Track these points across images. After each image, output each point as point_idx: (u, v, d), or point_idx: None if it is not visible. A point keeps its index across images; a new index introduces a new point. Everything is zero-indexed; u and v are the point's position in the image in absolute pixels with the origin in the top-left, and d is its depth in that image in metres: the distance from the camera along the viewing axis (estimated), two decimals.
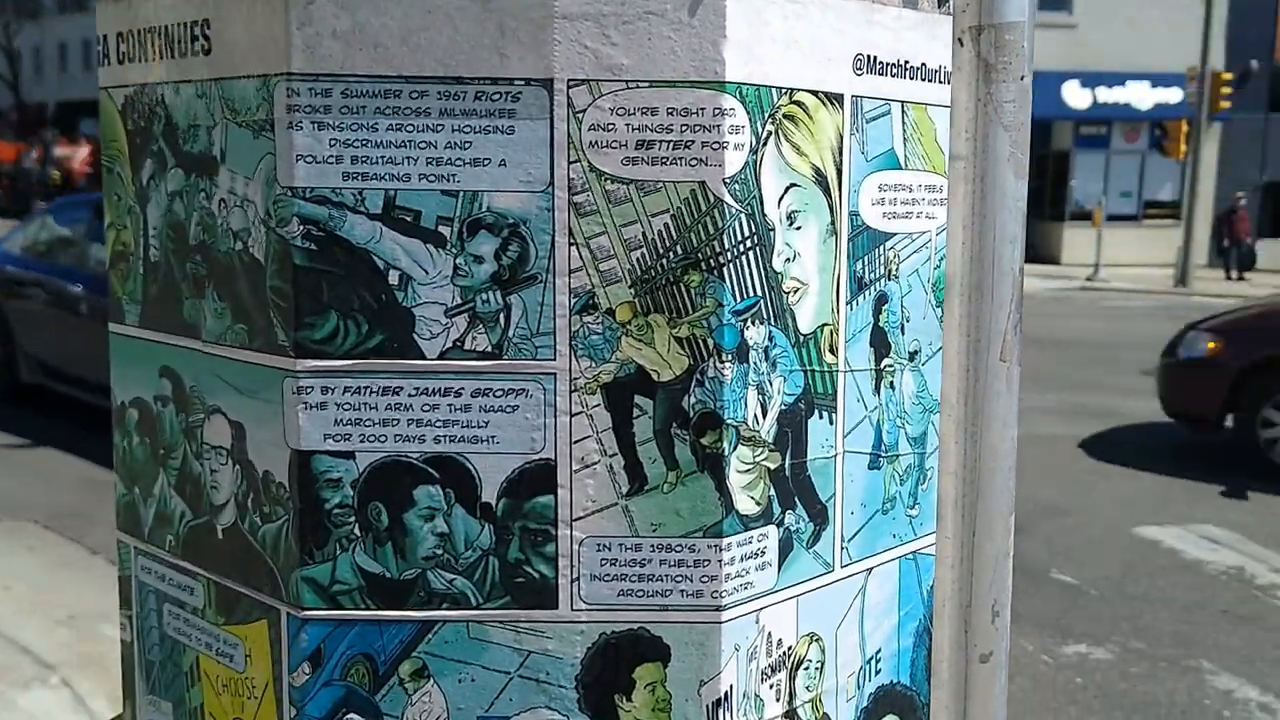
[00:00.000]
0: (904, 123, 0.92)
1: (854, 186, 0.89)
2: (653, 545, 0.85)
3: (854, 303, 0.90)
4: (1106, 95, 19.81)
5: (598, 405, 0.83)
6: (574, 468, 0.84)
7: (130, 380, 1.00)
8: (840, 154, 0.87)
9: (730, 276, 0.82)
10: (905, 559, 0.99)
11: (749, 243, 0.83)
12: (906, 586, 0.99)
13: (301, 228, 0.81)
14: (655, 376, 0.83)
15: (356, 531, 0.84)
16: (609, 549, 0.85)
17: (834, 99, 0.86)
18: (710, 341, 0.83)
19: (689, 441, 0.84)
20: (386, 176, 0.81)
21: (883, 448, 0.95)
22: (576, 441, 0.83)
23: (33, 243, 6.22)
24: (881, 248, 0.92)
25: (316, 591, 0.84)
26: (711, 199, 0.82)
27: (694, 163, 0.81)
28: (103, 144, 1.00)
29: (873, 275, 0.91)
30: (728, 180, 0.81)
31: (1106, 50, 19.24)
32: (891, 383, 0.94)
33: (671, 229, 0.82)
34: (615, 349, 0.83)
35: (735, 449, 0.83)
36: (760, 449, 0.85)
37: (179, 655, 0.99)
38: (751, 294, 0.83)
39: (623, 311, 0.82)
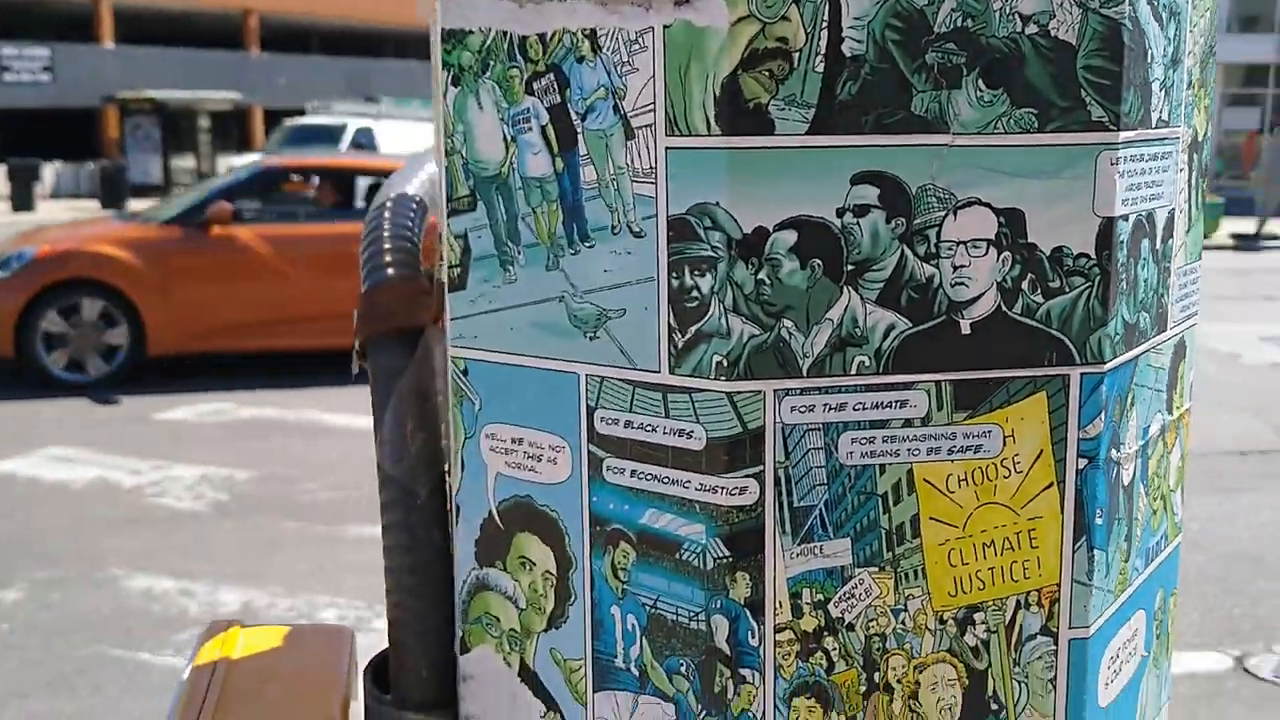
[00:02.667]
0: None
1: None
2: None
3: None
4: None
5: None
6: None
7: (781, 199, 0.94)
8: None
9: None
10: None
11: None
12: None
13: (1129, 8, 0.95)
14: None
15: (1124, 285, 1.02)
16: None
17: None
18: None
19: None
20: None
21: None
22: None
23: None
24: None
25: (1114, 343, 1.00)
26: None
27: None
28: None
29: None
30: None
31: None
32: None
33: None
34: None
35: None
36: None
37: (868, 482, 1.00)
38: None
39: None
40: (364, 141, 22.23)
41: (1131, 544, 1.12)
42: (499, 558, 1.14)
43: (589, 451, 1.06)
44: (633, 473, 1.03)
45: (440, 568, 1.22)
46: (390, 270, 1.30)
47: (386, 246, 1.33)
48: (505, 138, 1.06)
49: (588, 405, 1.05)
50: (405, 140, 23.40)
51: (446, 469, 1.24)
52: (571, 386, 1.06)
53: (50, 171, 27.30)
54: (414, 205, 1.40)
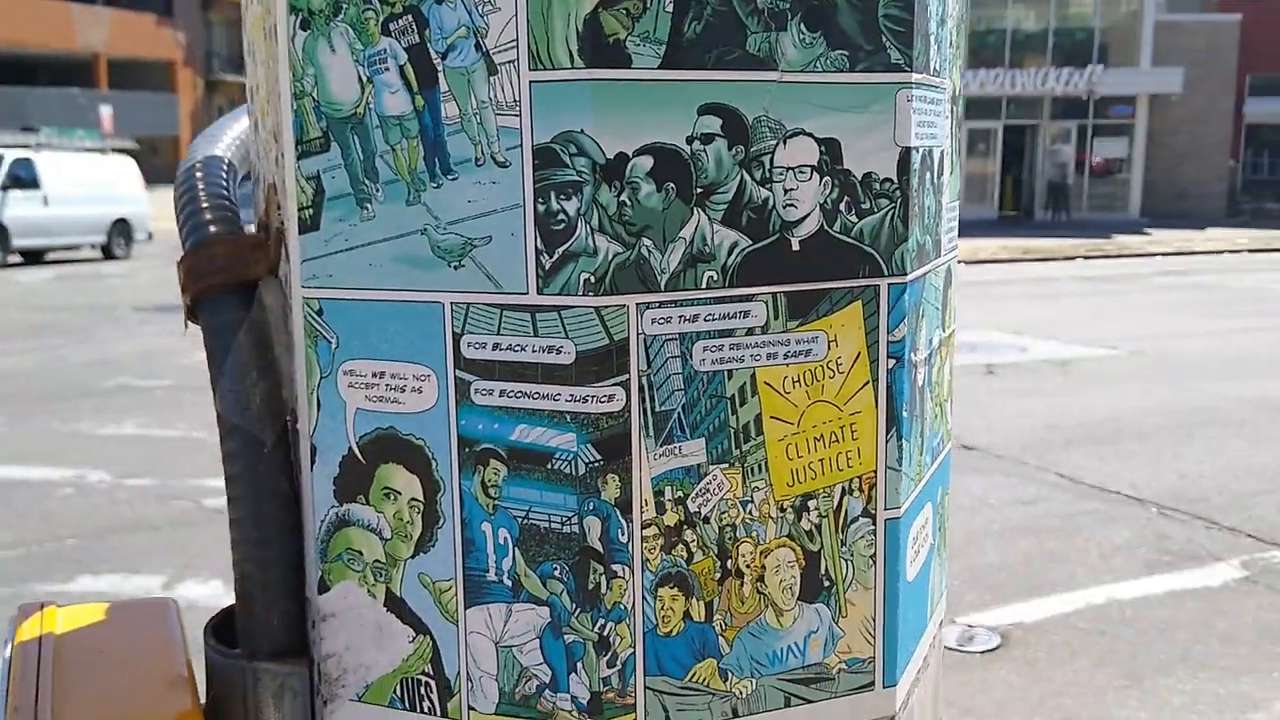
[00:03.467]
0: None
1: None
2: None
3: None
4: None
5: None
6: None
7: (638, 128, 1.03)
8: None
9: None
10: None
11: None
12: None
13: None
14: None
15: (916, 209, 1.18)
16: None
17: None
18: None
19: None
20: None
21: None
22: None
23: None
24: None
25: (912, 258, 1.16)
26: None
27: None
28: None
29: None
30: None
31: None
32: None
33: None
34: None
35: None
36: None
37: (719, 386, 1.10)
38: None
39: None
40: (23, 174, 20.69)
41: (924, 440, 1.28)
42: (361, 492, 1.17)
43: (456, 377, 1.11)
44: (502, 392, 1.09)
45: (287, 515, 1.23)
46: (213, 227, 1.30)
47: (204, 205, 1.32)
48: (361, 79, 1.10)
49: (454, 332, 1.10)
50: (71, 171, 22.00)
51: (288, 421, 1.25)
52: (436, 316, 1.11)
53: None
54: (224, 166, 1.40)
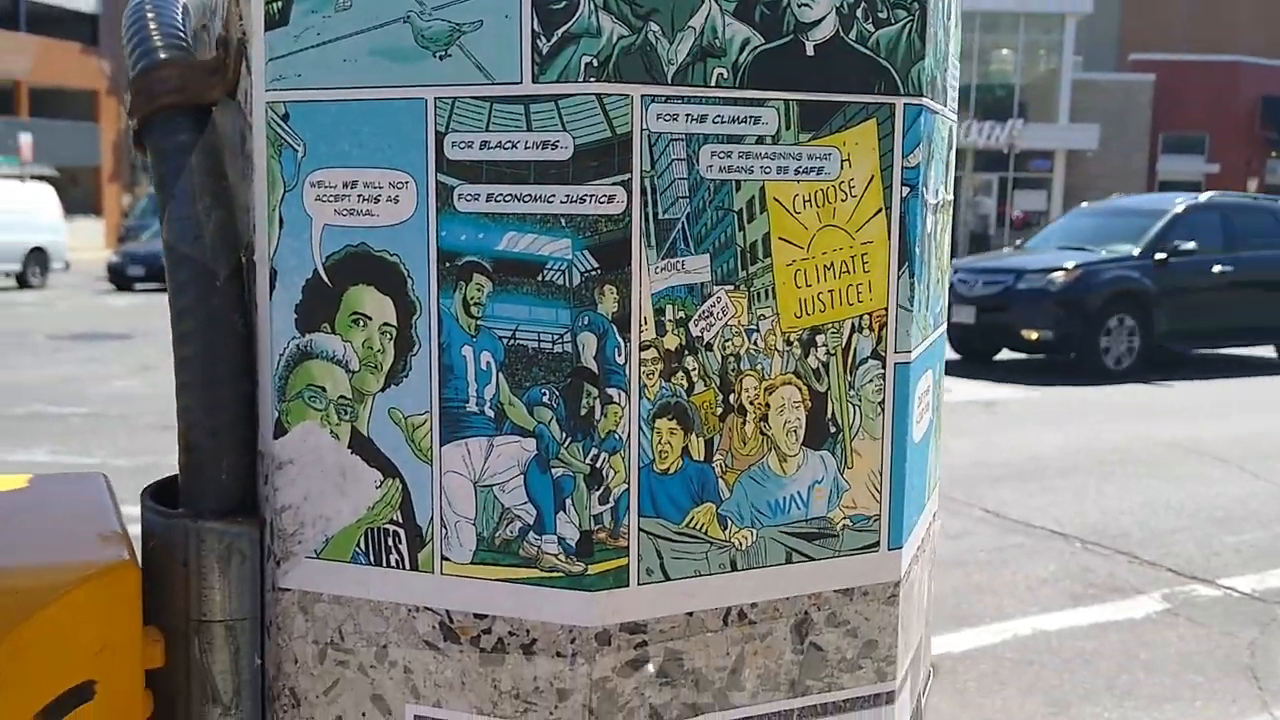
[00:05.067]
0: None
1: None
2: None
3: None
4: None
5: None
6: None
7: None
8: None
9: None
10: None
11: None
12: None
13: None
14: None
15: (932, 31, 1.11)
16: None
17: None
18: None
19: None
20: None
21: None
22: None
23: None
24: None
25: (928, 81, 1.09)
26: None
27: None
28: None
29: None
30: None
31: None
32: None
33: None
34: None
35: None
36: None
37: (726, 197, 1.01)
38: None
39: None
40: None
41: (930, 296, 1.20)
42: (326, 320, 1.06)
43: (438, 182, 1.00)
44: (489, 197, 0.99)
45: (241, 354, 1.11)
46: (163, 53, 1.19)
47: (154, 31, 1.21)
48: None
49: (437, 131, 1.00)
50: None
51: (242, 256, 1.14)
52: (417, 113, 1.00)
53: None
54: (178, 7, 1.29)
